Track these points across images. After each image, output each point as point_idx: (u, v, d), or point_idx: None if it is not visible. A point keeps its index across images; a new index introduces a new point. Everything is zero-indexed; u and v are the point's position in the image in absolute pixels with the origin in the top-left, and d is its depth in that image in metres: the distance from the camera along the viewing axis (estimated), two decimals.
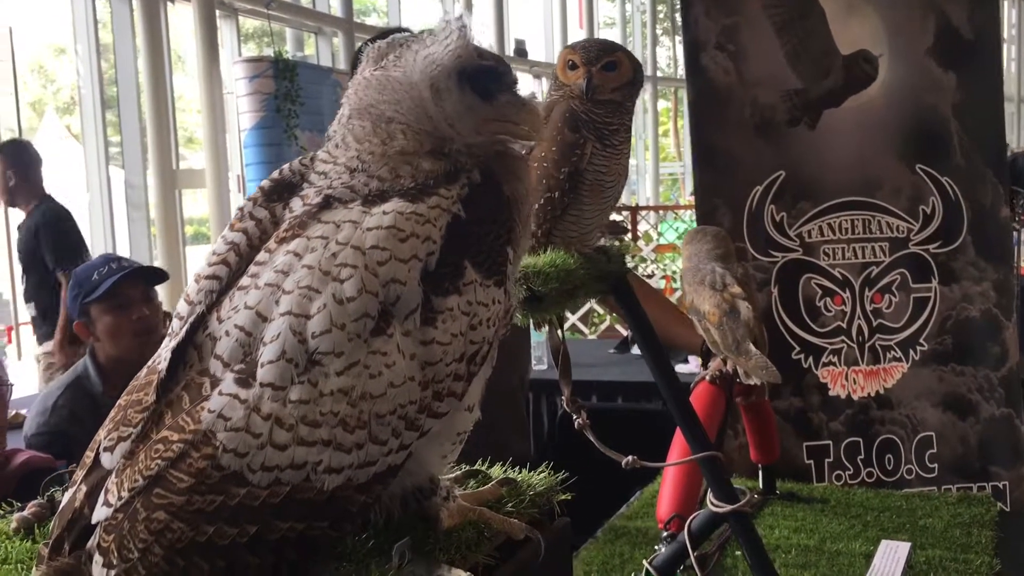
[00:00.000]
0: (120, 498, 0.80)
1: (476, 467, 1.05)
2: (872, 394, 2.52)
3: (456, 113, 0.89)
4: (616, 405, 3.54)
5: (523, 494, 0.97)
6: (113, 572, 0.79)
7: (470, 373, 0.88)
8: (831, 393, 2.53)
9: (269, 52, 7.31)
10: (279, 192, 0.90)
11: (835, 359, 2.53)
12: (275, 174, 0.92)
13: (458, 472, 1.04)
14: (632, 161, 9.57)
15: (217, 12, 7.87)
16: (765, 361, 1.70)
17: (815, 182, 2.54)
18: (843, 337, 2.53)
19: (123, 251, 7.67)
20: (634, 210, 9.90)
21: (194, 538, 0.78)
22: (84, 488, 0.84)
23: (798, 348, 2.53)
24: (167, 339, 0.86)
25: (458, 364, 0.86)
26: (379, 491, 0.84)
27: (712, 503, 1.42)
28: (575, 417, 1.38)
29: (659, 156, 14.86)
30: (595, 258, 1.32)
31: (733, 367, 1.77)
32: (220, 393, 0.81)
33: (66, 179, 7.09)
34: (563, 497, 1.01)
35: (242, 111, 6.70)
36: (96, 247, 6.92)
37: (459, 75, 0.90)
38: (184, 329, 0.85)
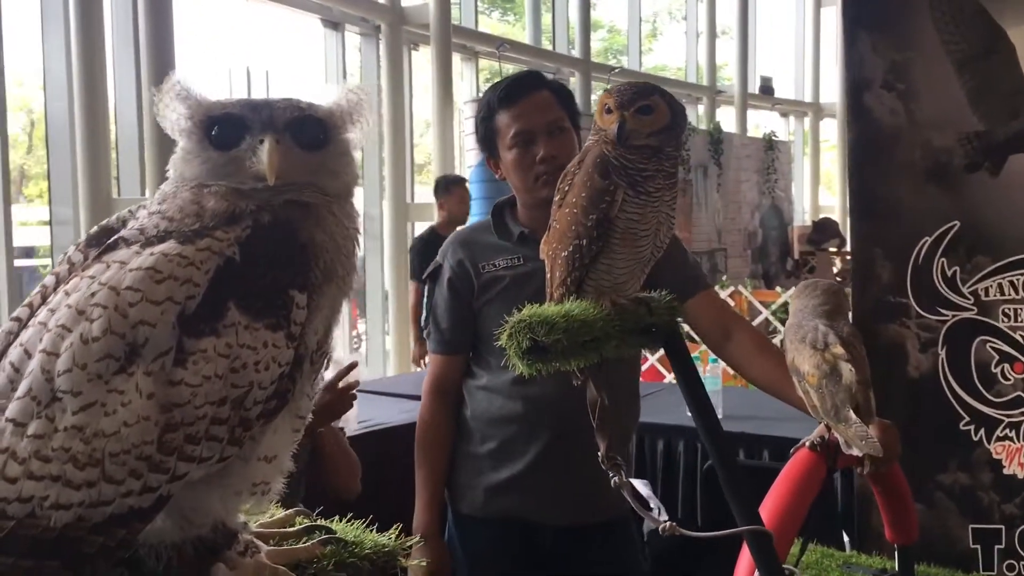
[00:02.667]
0: None
1: (319, 523, 1.01)
2: None
3: (204, 164, 0.90)
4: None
5: (351, 555, 0.93)
6: None
7: (243, 418, 0.86)
8: (1006, 471, 2.25)
9: None
10: (99, 238, 0.93)
11: (1012, 433, 2.25)
12: (103, 222, 0.95)
13: (299, 527, 1.02)
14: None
15: (459, 56, 8.29)
16: (865, 431, 1.55)
17: (995, 234, 2.28)
18: (1023, 410, 2.24)
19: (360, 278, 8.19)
20: None
21: None
22: None
23: (967, 418, 2.27)
24: None
25: (216, 407, 0.85)
26: (124, 535, 0.83)
27: None
28: (611, 475, 1.32)
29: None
30: (631, 309, 1.26)
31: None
32: None
33: None
34: (415, 563, 0.96)
35: (468, 148, 6.98)
36: None
37: (187, 132, 0.94)
38: None
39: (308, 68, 7.75)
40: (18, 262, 5.36)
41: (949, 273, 2.29)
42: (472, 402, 2.07)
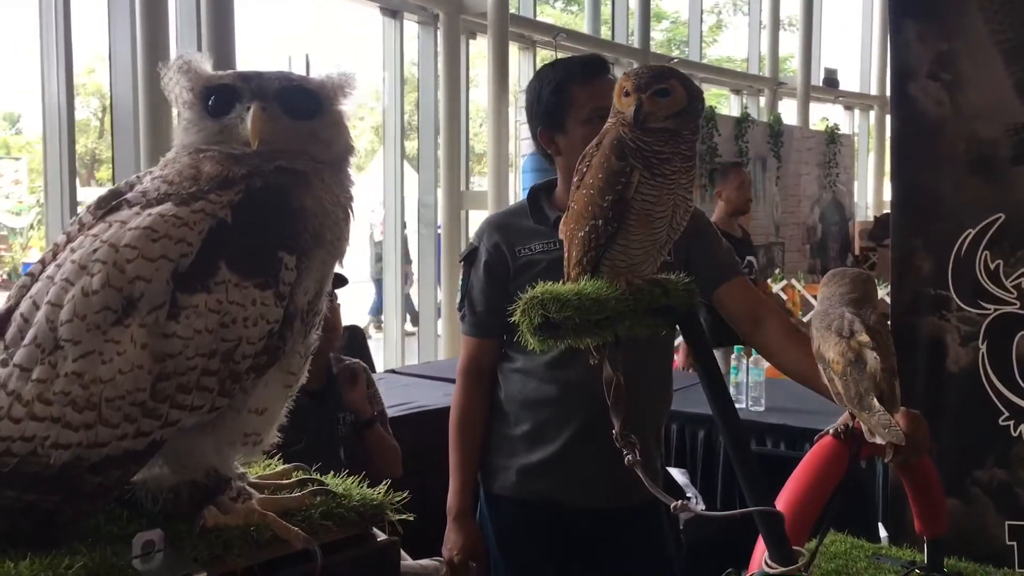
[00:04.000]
0: None
1: (311, 476, 1.05)
2: None
3: (200, 132, 0.94)
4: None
5: (339, 506, 0.96)
6: None
7: (233, 371, 0.91)
8: None
9: None
10: (108, 201, 0.99)
11: None
12: (114, 186, 1.01)
13: (294, 479, 1.06)
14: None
15: (516, 45, 8.31)
16: (889, 419, 1.54)
17: None
18: None
19: (413, 264, 8.31)
20: None
21: None
22: None
23: (1007, 413, 2.24)
24: None
25: (206, 359, 0.90)
26: (119, 476, 0.89)
27: (767, 564, 1.32)
28: (625, 453, 1.34)
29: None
30: (647, 291, 1.28)
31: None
32: None
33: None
34: (403, 517, 0.99)
35: (523, 138, 7.00)
36: (388, 259, 7.57)
37: (188, 103, 1.00)
38: None
39: (367, 57, 7.84)
40: None
41: (992, 266, 2.25)
42: (507, 385, 2.09)
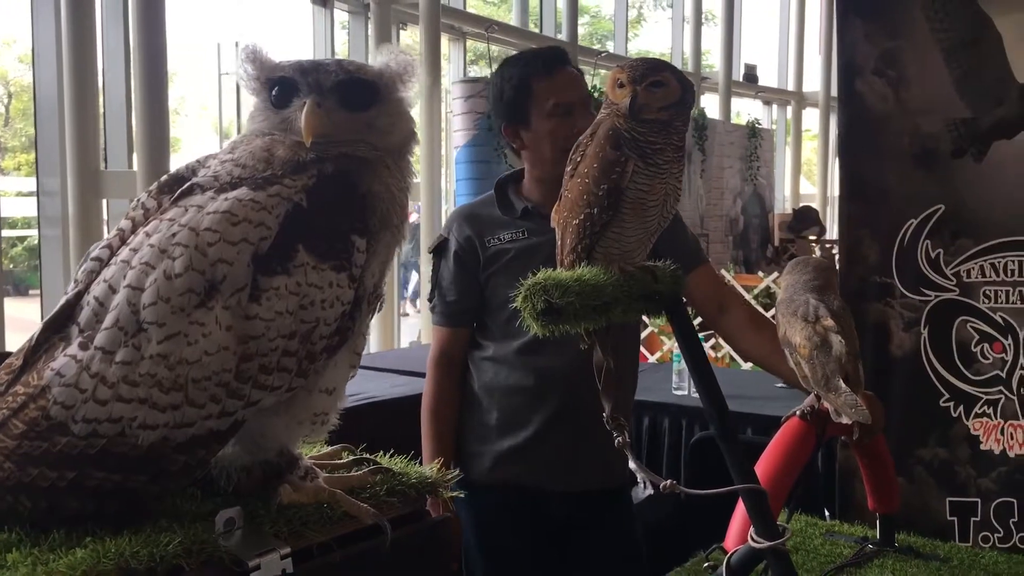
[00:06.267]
0: None
1: (365, 456, 1.08)
2: None
3: (265, 120, 0.99)
4: (769, 440, 3.41)
5: (399, 483, 1.00)
6: None
7: (309, 352, 0.93)
8: (983, 447, 2.34)
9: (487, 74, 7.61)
10: (171, 185, 1.00)
11: (990, 411, 2.33)
12: (172, 171, 1.02)
13: (348, 459, 1.09)
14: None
15: (447, 36, 8.30)
16: (855, 399, 1.62)
17: (978, 218, 2.36)
18: (1001, 387, 2.32)
19: None
20: None
21: (20, 479, 0.88)
22: None
23: (947, 395, 2.35)
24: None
25: (287, 340, 0.92)
26: (203, 455, 0.91)
27: (752, 538, 1.37)
28: (615, 436, 1.38)
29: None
30: (638, 277, 1.32)
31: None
32: (64, 354, 0.92)
33: None
34: (454, 494, 1.03)
35: (456, 129, 7.01)
36: None
37: (255, 91, 1.02)
38: (59, 305, 0.97)
39: (296, 45, 7.74)
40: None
41: (933, 255, 2.36)
42: (478, 373, 2.12)
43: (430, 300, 2.16)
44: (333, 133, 0.98)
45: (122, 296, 0.90)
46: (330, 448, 1.11)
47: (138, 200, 1.01)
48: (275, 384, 0.92)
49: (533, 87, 2.06)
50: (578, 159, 1.34)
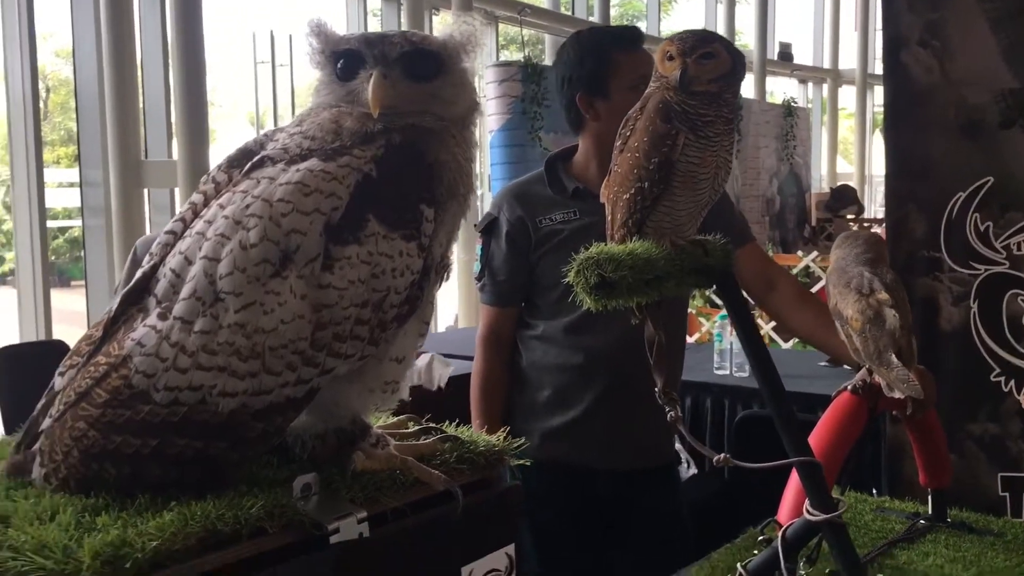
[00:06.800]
0: (59, 411, 0.95)
1: (431, 426, 1.10)
2: None
3: (331, 94, 1.01)
4: (815, 417, 3.39)
5: (467, 451, 1.01)
6: (43, 470, 0.94)
7: (381, 320, 0.94)
8: None
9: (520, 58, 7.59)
10: (240, 160, 1.01)
11: None
12: (241, 145, 1.03)
13: (415, 428, 1.10)
14: None
15: (479, 20, 8.27)
16: (907, 374, 1.60)
17: None
18: None
19: None
20: None
21: (105, 446, 0.90)
22: (42, 404, 1.00)
23: (998, 369, 2.32)
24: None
25: (359, 309, 0.93)
26: (280, 422, 0.92)
27: (808, 511, 1.37)
28: (667, 410, 1.38)
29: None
30: (689, 251, 1.31)
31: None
32: (143, 325, 0.94)
33: None
34: (521, 462, 1.04)
35: (490, 113, 7.00)
36: None
37: (321, 65, 1.03)
38: (136, 277, 0.99)
39: None
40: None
41: (982, 228, 2.33)
42: (527, 352, 2.13)
43: (478, 279, 2.17)
44: (399, 104, 0.99)
45: (198, 267, 0.92)
46: (396, 419, 1.13)
47: (209, 175, 1.02)
48: (348, 352, 0.93)
49: (617, 60, 2.07)
50: (628, 133, 1.33)
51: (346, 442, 0.99)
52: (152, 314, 0.94)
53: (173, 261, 0.95)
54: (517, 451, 1.07)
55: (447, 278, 1.06)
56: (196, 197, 1.02)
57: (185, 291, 0.92)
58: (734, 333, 3.78)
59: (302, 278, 0.91)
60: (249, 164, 0.98)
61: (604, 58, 2.07)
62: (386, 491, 0.94)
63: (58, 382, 1.00)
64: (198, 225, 0.96)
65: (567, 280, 1.23)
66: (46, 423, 0.97)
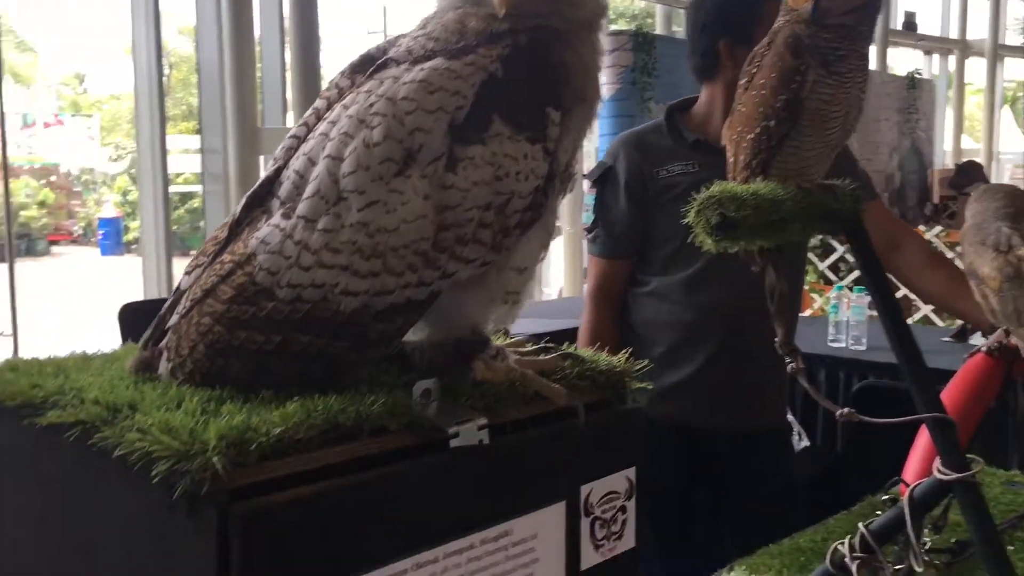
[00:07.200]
0: (185, 307, 0.96)
1: (551, 345, 1.07)
2: None
3: None
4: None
5: (587, 370, 0.98)
6: (170, 364, 0.95)
7: (503, 225, 0.92)
8: None
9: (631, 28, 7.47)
10: (362, 66, 1.00)
11: None
12: (363, 51, 1.01)
13: (536, 347, 1.07)
14: None
15: None
16: None
17: None
18: None
19: None
20: None
21: (230, 341, 0.91)
22: (169, 302, 1.02)
23: None
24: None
25: (483, 211, 0.91)
26: (401, 324, 0.92)
27: (939, 470, 1.29)
28: (788, 361, 1.33)
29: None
30: (817, 194, 1.25)
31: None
32: (268, 224, 0.94)
33: None
34: (641, 385, 1.01)
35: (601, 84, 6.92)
36: None
37: None
38: (260, 181, 0.99)
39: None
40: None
41: None
42: (638, 308, 2.08)
43: (589, 231, 2.13)
44: (525, 4, 0.96)
45: (322, 166, 0.92)
46: (515, 339, 1.12)
47: (332, 81, 1.02)
48: (470, 256, 0.92)
49: (764, 12, 2.01)
50: (753, 71, 1.28)
51: (466, 352, 0.98)
52: (276, 214, 0.94)
53: (297, 163, 0.95)
54: (641, 371, 1.04)
55: (571, 189, 1.03)
56: (319, 103, 1.01)
57: (309, 190, 0.92)
58: (851, 307, 3.66)
59: (425, 177, 0.90)
60: (373, 67, 0.98)
61: (756, 7, 2.00)
62: (506, 402, 0.92)
63: (184, 281, 1.01)
64: (322, 127, 0.96)
65: (686, 223, 1.19)
66: (173, 319, 0.99)
